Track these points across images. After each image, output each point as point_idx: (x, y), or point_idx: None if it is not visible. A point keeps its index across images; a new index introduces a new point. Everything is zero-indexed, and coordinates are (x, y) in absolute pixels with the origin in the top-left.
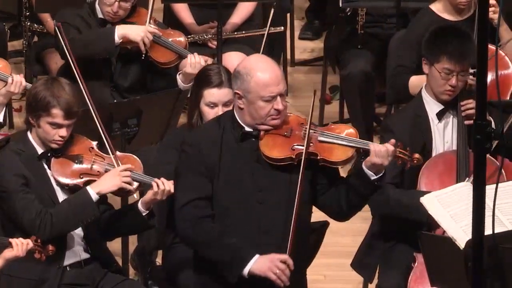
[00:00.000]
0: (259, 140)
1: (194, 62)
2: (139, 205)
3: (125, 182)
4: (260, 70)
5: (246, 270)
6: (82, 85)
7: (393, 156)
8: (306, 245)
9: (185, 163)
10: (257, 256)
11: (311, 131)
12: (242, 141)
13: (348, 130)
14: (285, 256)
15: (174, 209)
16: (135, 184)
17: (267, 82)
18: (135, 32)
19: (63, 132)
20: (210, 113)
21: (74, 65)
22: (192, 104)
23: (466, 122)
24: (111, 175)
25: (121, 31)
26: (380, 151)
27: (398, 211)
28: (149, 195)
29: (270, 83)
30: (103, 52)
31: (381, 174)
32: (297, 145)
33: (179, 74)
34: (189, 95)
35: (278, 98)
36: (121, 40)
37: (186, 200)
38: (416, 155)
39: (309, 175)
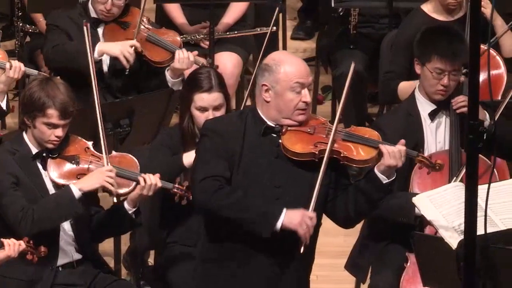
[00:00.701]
0: (282, 135)
1: (182, 58)
2: (126, 203)
3: (108, 182)
4: (289, 61)
5: (279, 224)
6: (95, 87)
7: (414, 160)
8: (315, 247)
9: (207, 145)
10: (285, 209)
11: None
12: (264, 136)
13: (371, 133)
14: (312, 213)
15: (193, 186)
16: (125, 189)
17: (296, 72)
18: (115, 48)
19: (59, 132)
20: (200, 117)
21: (93, 71)
22: (183, 107)
23: (459, 111)
24: (95, 173)
25: (101, 48)
26: (394, 152)
27: (386, 213)
28: (135, 191)
29: (298, 73)
30: (81, 67)
31: (393, 178)
32: (320, 142)
33: (167, 70)
34: (180, 98)
35: (306, 90)
36: (100, 57)
37: (204, 175)
38: (439, 161)
39: (328, 175)
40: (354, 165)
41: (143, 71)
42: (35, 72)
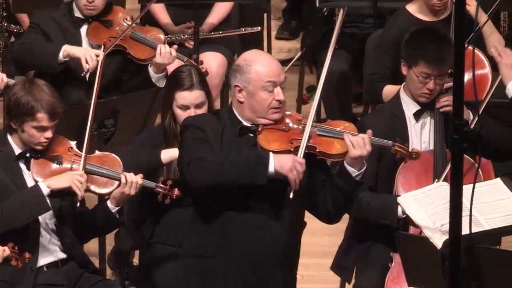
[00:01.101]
0: (258, 134)
1: (164, 52)
2: (109, 202)
3: (75, 185)
4: (260, 60)
5: (271, 167)
6: (96, 95)
7: (390, 150)
8: (299, 242)
9: (190, 136)
10: (271, 153)
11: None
12: (241, 136)
13: (346, 126)
14: (302, 159)
15: (182, 172)
16: (107, 189)
17: (267, 71)
18: (79, 51)
19: (49, 134)
20: (182, 116)
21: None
22: (165, 106)
23: (442, 110)
24: (66, 174)
25: (66, 49)
26: (357, 141)
27: (368, 215)
28: (118, 190)
29: (270, 72)
30: (44, 66)
31: (364, 169)
32: (295, 138)
33: (150, 66)
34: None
35: (279, 88)
36: (66, 59)
37: (190, 158)
38: (415, 149)
39: (306, 171)
40: (331, 159)
41: (126, 70)
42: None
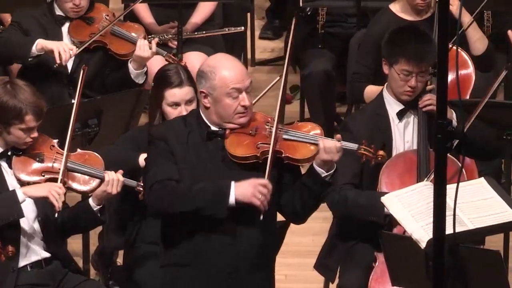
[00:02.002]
0: (225, 139)
1: (142, 44)
2: (91, 200)
3: (52, 195)
4: (224, 66)
5: (232, 199)
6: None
7: (356, 154)
8: (275, 244)
9: (155, 152)
10: (233, 183)
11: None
12: (208, 141)
13: (314, 129)
14: (265, 181)
15: (145, 194)
16: (88, 187)
17: (232, 78)
18: (52, 43)
19: (35, 134)
20: (173, 113)
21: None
22: (154, 105)
23: (425, 109)
24: (45, 184)
25: (40, 42)
26: (330, 147)
27: (355, 212)
28: (100, 188)
29: (234, 78)
30: (16, 58)
31: (332, 171)
32: (262, 143)
33: (130, 62)
34: (149, 97)
35: (244, 94)
36: (39, 53)
37: (154, 181)
38: (380, 152)
39: (275, 174)
40: (297, 164)
41: (108, 66)
42: None
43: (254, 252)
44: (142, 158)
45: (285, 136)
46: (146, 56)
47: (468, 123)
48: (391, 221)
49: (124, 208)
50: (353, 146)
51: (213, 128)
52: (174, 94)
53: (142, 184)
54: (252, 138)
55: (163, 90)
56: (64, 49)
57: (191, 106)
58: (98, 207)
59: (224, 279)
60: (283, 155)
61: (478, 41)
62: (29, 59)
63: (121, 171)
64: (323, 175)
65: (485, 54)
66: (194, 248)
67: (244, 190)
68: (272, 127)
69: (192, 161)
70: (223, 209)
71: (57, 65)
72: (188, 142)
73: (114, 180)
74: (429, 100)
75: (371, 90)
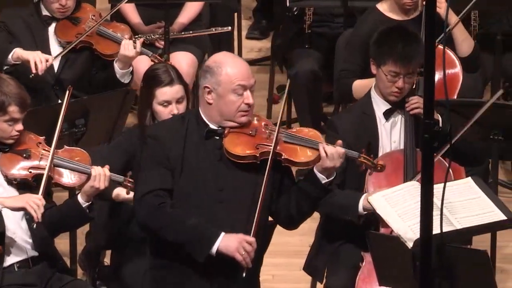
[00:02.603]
0: (224, 137)
1: (127, 43)
2: (79, 197)
3: (30, 206)
4: (231, 63)
5: (214, 248)
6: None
7: (356, 161)
8: (264, 247)
9: (148, 155)
10: (222, 234)
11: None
12: (207, 139)
13: (314, 134)
14: (251, 238)
15: (134, 200)
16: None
17: (237, 74)
18: (28, 53)
19: (20, 126)
20: (164, 112)
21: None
22: (144, 105)
23: (412, 112)
24: (24, 196)
25: (17, 52)
26: (332, 154)
27: (333, 211)
28: (88, 184)
29: (240, 75)
30: None
31: (333, 177)
32: (261, 144)
33: (115, 62)
34: (139, 97)
35: (248, 92)
36: (16, 62)
37: (146, 190)
38: (380, 162)
39: (271, 176)
40: (296, 167)
41: (94, 66)
42: None
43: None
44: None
45: (285, 139)
46: (131, 55)
47: (459, 133)
48: (369, 221)
49: (111, 219)
50: (353, 154)
51: (212, 126)
52: (165, 92)
53: (129, 179)
54: (252, 138)
55: (153, 89)
56: (40, 59)
57: (181, 105)
58: (87, 203)
59: (211, 279)
60: (282, 158)
61: (464, 42)
62: (5, 68)
63: (107, 166)
64: (323, 181)
65: (471, 55)
66: (181, 251)
67: (229, 243)
68: (273, 129)
69: (189, 161)
70: (202, 255)
71: (33, 75)
72: (186, 141)
73: (101, 175)
74: (416, 103)
75: (359, 84)
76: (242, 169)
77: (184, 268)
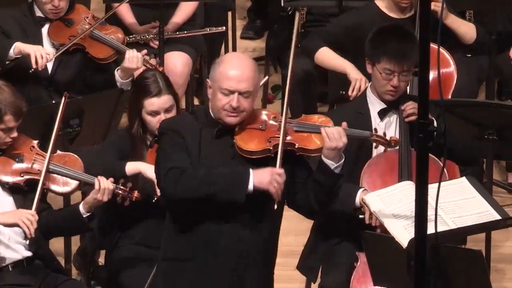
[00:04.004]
0: (235, 135)
1: (132, 57)
2: (81, 207)
3: (23, 222)
4: (229, 63)
5: (250, 185)
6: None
7: (369, 140)
8: (277, 243)
9: (167, 142)
10: (251, 171)
11: (286, 122)
12: (218, 138)
13: (321, 118)
14: (280, 170)
15: (158, 182)
16: (67, 188)
17: (229, 76)
18: (29, 47)
19: (15, 133)
20: (152, 121)
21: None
22: (132, 113)
23: (407, 119)
24: (17, 212)
25: (17, 45)
26: (332, 133)
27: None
28: (90, 195)
29: (231, 77)
30: None
31: (342, 160)
32: (273, 136)
33: (117, 70)
34: (128, 104)
35: (236, 95)
36: (17, 56)
37: (169, 166)
38: (394, 138)
39: (286, 169)
40: (311, 155)
41: (89, 68)
42: None
43: (258, 254)
44: (128, 166)
45: (295, 128)
46: (135, 67)
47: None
48: (374, 223)
49: (106, 219)
50: (366, 133)
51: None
52: (153, 103)
53: (120, 187)
54: (262, 132)
55: (142, 99)
56: (41, 54)
57: (170, 114)
58: (88, 214)
59: (226, 275)
60: (296, 147)
61: (466, 30)
62: (6, 62)
63: (111, 179)
64: (332, 167)
65: (479, 38)
66: (196, 245)
67: (262, 177)
68: (281, 120)
69: (204, 159)
70: (242, 194)
71: (33, 70)
72: (201, 139)
73: (106, 188)
74: (412, 109)
75: (327, 54)
76: (256, 164)
77: (199, 261)
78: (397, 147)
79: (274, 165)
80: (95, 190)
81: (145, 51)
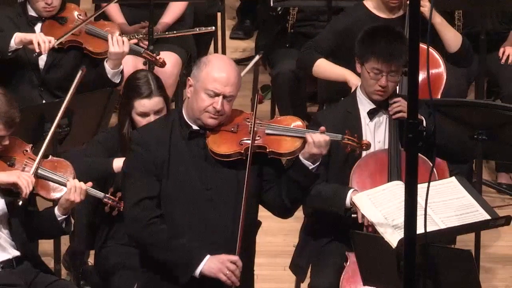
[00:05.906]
0: (207, 137)
1: (116, 40)
2: (56, 210)
3: (22, 181)
4: (216, 65)
5: (197, 271)
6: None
7: (340, 144)
8: (254, 241)
9: (133, 162)
10: (208, 256)
11: (258, 124)
12: (190, 140)
13: (295, 122)
14: (235, 257)
15: (124, 211)
16: (58, 193)
17: (216, 78)
18: (33, 35)
19: (6, 141)
20: (142, 122)
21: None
22: (123, 114)
23: (395, 116)
24: (14, 171)
25: (18, 35)
26: (319, 141)
27: (317, 203)
28: (63, 196)
29: (219, 79)
30: None
31: (318, 163)
32: (244, 139)
33: (106, 61)
34: (118, 104)
35: (220, 98)
36: (18, 46)
37: (135, 200)
38: (365, 141)
39: (257, 169)
40: (281, 158)
41: (80, 67)
42: None
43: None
44: (116, 163)
45: (268, 131)
46: (121, 51)
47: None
48: (354, 214)
49: (95, 219)
50: (337, 136)
51: (195, 127)
52: (144, 104)
53: (109, 196)
54: (234, 135)
55: (132, 99)
56: (43, 39)
57: (159, 116)
58: (63, 216)
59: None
60: (267, 150)
61: (451, 38)
62: (9, 53)
63: (90, 184)
64: (310, 168)
65: (461, 50)
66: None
67: (212, 265)
68: (252, 123)
69: (175, 163)
70: (186, 277)
71: (36, 54)
72: (171, 143)
73: (76, 187)
74: (399, 107)
75: (323, 65)
76: (229, 167)
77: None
78: (368, 149)
79: (245, 168)
80: (67, 191)
81: (133, 39)
